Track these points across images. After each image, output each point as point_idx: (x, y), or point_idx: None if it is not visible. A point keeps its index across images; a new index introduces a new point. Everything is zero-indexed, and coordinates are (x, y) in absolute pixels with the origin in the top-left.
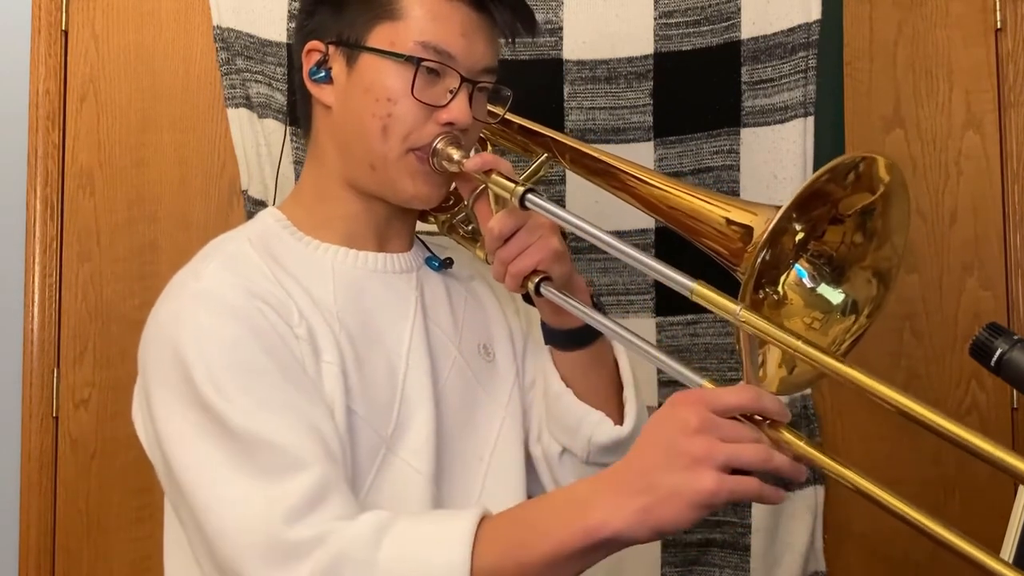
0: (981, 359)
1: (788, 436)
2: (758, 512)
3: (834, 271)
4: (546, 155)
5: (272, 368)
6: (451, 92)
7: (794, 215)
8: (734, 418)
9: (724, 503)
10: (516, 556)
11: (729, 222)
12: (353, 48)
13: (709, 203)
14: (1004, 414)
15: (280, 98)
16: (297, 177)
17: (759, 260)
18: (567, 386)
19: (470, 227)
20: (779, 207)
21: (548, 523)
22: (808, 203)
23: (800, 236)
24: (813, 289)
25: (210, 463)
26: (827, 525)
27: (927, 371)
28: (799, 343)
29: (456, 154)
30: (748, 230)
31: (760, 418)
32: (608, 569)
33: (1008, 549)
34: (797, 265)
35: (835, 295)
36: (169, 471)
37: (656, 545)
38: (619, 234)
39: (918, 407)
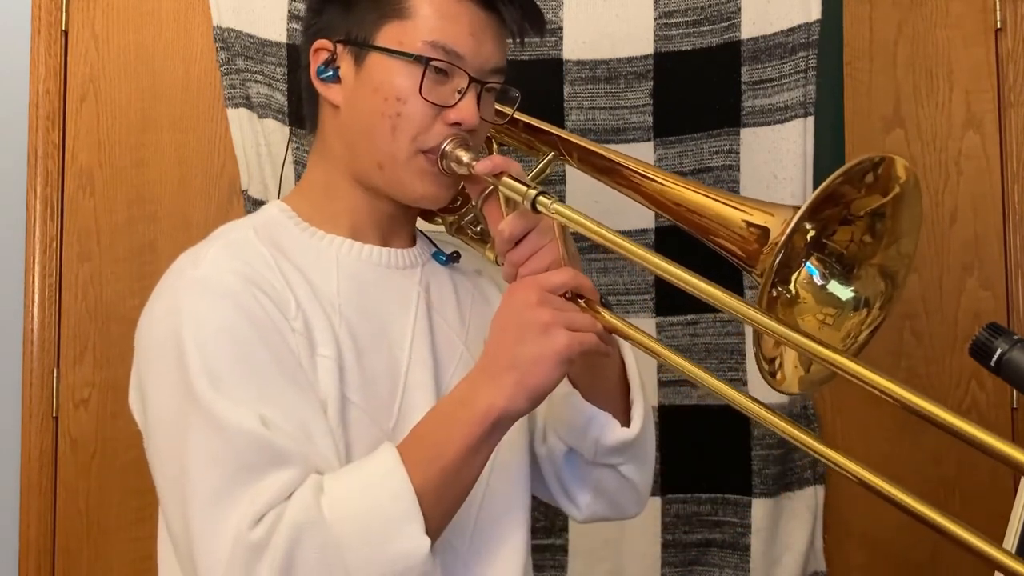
0: (981, 359)
1: (601, 310)
2: (758, 512)
3: (844, 268)
4: (553, 154)
5: (267, 360)
6: (459, 92)
7: (807, 214)
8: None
9: (577, 356)
10: (437, 465)
11: (748, 224)
12: (361, 47)
13: (724, 203)
14: (1004, 414)
15: (280, 98)
16: (297, 178)
17: (776, 262)
18: (574, 386)
19: (479, 228)
20: (794, 208)
21: (448, 428)
22: (822, 203)
23: (811, 235)
24: (823, 286)
25: (191, 453)
26: (827, 525)
27: (927, 371)
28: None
29: (465, 156)
30: (764, 231)
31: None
32: (608, 570)
33: (1010, 541)
34: (808, 263)
35: (845, 292)
36: (151, 455)
37: (656, 545)
38: (619, 234)
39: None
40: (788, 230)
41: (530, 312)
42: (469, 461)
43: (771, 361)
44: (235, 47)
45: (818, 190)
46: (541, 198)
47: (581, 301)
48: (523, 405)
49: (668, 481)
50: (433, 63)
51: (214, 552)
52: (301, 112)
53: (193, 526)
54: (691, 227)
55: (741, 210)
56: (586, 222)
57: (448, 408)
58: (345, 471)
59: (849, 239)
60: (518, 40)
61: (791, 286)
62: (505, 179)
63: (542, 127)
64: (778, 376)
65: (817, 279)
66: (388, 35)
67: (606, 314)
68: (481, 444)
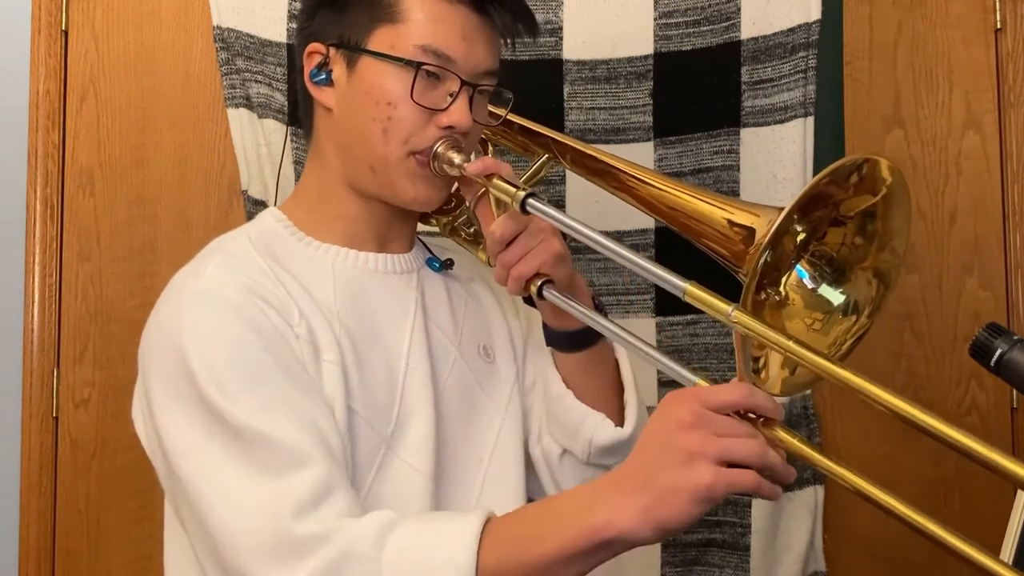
0: (981, 359)
1: (782, 434)
2: (758, 512)
3: (835, 272)
4: (547, 156)
5: (273, 366)
6: (451, 95)
7: (796, 216)
8: (729, 416)
9: (723, 496)
10: (520, 556)
11: (731, 223)
12: (354, 51)
13: (711, 204)
14: (1004, 414)
15: (280, 98)
16: (297, 177)
17: (761, 262)
18: (568, 387)
19: (472, 229)
20: (781, 208)
21: (552, 523)
22: (810, 205)
23: (801, 237)
24: (814, 290)
25: (213, 461)
26: (827, 525)
27: (927, 371)
28: (793, 344)
29: (457, 158)
30: (750, 231)
31: (754, 416)
32: (608, 570)
33: (1007, 550)
34: (798, 266)
35: (836, 296)
36: (170, 470)
37: (656, 545)
38: (619, 234)
39: (909, 407)
40: (772, 230)
41: (679, 434)
42: (558, 571)
43: (755, 359)
44: (235, 47)
45: (803, 191)
46: (530, 199)
47: (760, 420)
48: (645, 534)
49: None
50: (424, 67)
51: (239, 517)
52: (300, 113)
53: (215, 499)
54: (682, 229)
55: (726, 211)
56: (574, 223)
57: (564, 503)
58: (425, 518)
59: (840, 241)
60: (510, 42)
61: (780, 288)
62: (495, 181)
63: (536, 129)
64: (762, 375)
65: (807, 282)
66: (380, 39)
67: (785, 435)
68: (580, 557)
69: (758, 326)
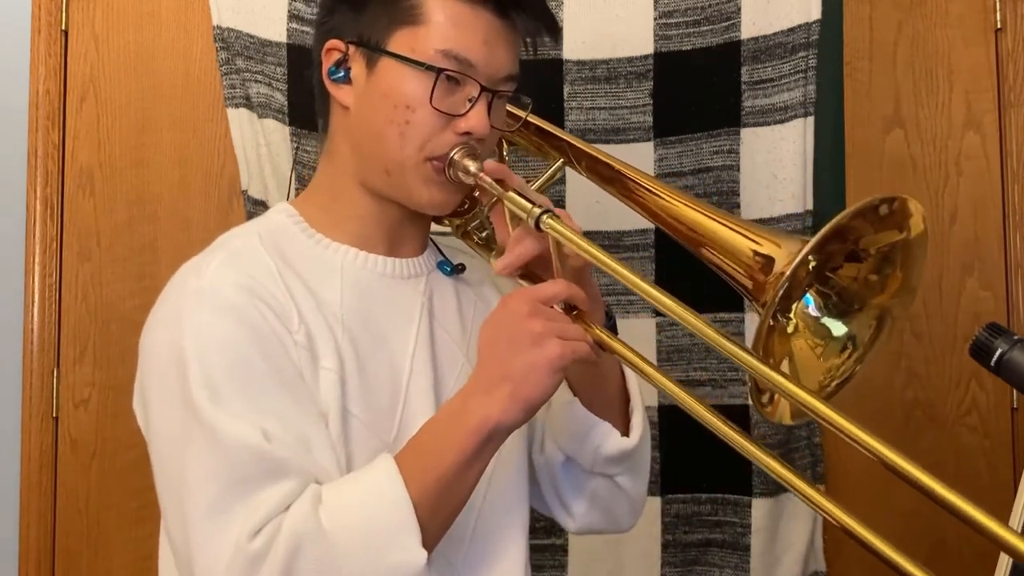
0: (981, 359)
1: (589, 323)
2: (758, 512)
3: (841, 304)
4: (562, 160)
5: (268, 372)
6: (470, 101)
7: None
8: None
9: (570, 365)
10: (433, 476)
11: (754, 253)
12: (373, 51)
13: (732, 228)
14: (1004, 414)
15: (280, 98)
16: (298, 178)
17: (779, 294)
18: (574, 395)
19: (484, 233)
20: (804, 240)
21: (444, 439)
22: (832, 238)
23: (813, 264)
24: (817, 319)
25: (191, 466)
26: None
27: (927, 371)
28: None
29: (472, 166)
30: (769, 260)
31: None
32: (608, 570)
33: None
34: (807, 294)
35: (837, 327)
36: (153, 463)
37: (656, 545)
38: (620, 233)
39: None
40: (794, 263)
41: (522, 323)
42: (465, 473)
43: (764, 392)
44: (235, 47)
45: (827, 226)
46: (544, 218)
47: (573, 313)
48: (518, 416)
49: (668, 481)
50: (446, 72)
51: (213, 564)
52: (302, 112)
53: (193, 537)
54: (694, 247)
55: (750, 239)
56: (587, 246)
57: (444, 420)
58: (343, 481)
59: (853, 276)
60: (531, 46)
61: (788, 314)
62: (510, 195)
63: (553, 132)
64: (775, 401)
65: (812, 310)
66: (400, 41)
67: (596, 328)
68: (476, 456)
69: (575, 236)
